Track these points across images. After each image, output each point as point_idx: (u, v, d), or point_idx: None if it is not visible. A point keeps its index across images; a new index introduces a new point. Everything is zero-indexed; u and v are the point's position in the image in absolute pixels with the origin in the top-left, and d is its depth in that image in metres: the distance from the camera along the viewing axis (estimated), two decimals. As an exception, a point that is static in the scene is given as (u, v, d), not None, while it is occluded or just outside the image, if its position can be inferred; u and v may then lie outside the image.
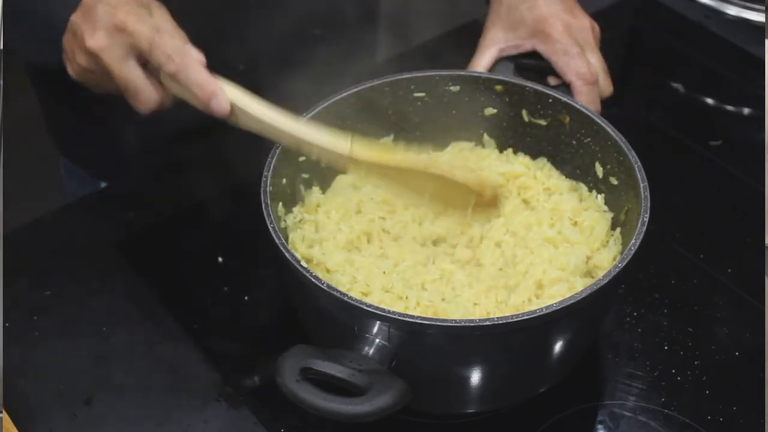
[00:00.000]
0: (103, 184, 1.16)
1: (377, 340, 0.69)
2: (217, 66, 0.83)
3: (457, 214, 0.84)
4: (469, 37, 1.01)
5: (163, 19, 0.81)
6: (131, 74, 0.80)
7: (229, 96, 0.79)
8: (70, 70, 0.84)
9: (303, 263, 0.73)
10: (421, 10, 1.29)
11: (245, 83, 0.83)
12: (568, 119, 0.88)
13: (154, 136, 1.08)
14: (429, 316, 0.75)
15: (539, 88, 0.88)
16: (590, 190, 0.88)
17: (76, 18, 0.81)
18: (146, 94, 0.80)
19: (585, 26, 0.94)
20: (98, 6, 0.79)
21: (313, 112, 0.85)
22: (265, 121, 0.79)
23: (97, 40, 0.79)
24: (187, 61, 0.78)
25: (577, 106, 0.86)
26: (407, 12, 1.32)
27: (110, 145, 1.12)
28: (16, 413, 0.80)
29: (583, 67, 0.90)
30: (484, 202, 0.82)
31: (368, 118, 0.89)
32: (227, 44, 1.03)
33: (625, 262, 0.73)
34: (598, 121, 0.85)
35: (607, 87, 0.94)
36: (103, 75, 0.81)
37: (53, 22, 0.83)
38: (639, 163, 0.80)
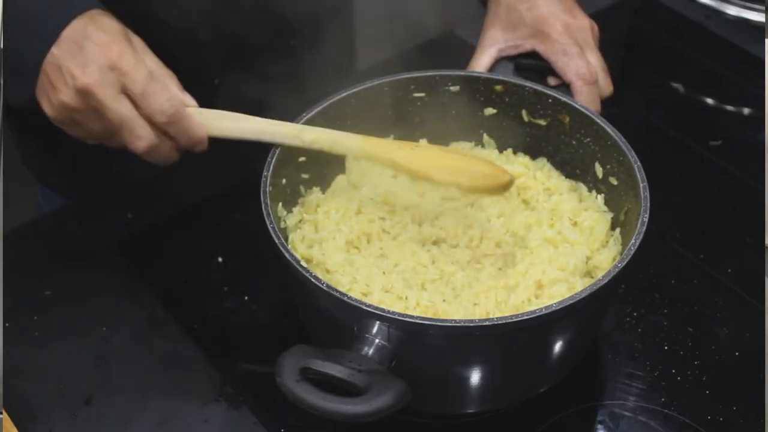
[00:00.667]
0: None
1: (377, 340, 0.69)
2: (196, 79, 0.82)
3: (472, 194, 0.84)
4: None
5: (152, 61, 0.79)
6: (126, 111, 0.78)
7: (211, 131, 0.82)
8: (48, 109, 0.80)
9: (303, 263, 0.73)
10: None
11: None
12: (567, 119, 0.88)
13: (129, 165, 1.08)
14: (429, 316, 0.75)
15: (539, 88, 0.88)
16: (590, 190, 0.88)
17: (59, 53, 0.77)
18: (139, 132, 0.79)
19: (584, 26, 0.94)
20: (86, 43, 0.77)
21: (312, 113, 0.85)
22: (249, 138, 0.82)
23: (89, 76, 0.76)
24: (178, 114, 0.79)
25: (577, 106, 0.86)
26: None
27: (85, 174, 1.11)
28: (16, 413, 0.80)
29: (583, 67, 0.90)
30: (498, 184, 0.83)
31: (368, 118, 0.89)
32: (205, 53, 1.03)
33: (625, 263, 0.73)
34: (598, 121, 0.85)
35: (606, 87, 0.94)
36: (89, 115, 0.79)
37: (25, 56, 0.79)
38: (639, 163, 0.80)
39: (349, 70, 1.23)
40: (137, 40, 0.80)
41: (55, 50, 0.77)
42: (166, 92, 0.78)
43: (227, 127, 0.82)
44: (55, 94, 0.78)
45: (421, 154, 0.83)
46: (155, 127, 0.80)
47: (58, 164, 1.12)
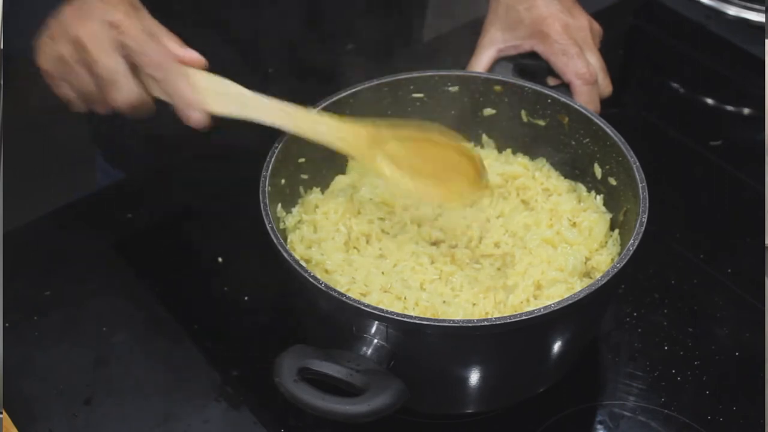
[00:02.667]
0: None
1: (375, 340, 0.69)
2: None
3: (455, 192, 0.83)
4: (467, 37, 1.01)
5: (153, 22, 0.80)
6: (115, 65, 0.78)
7: (212, 106, 0.80)
8: (41, 58, 0.81)
9: (302, 264, 0.73)
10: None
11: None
12: (566, 119, 0.88)
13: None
14: (428, 316, 0.75)
15: (538, 88, 0.88)
16: (589, 190, 0.88)
17: (67, 8, 0.79)
18: (126, 89, 0.79)
19: (584, 26, 0.94)
20: (93, 2, 0.79)
21: (312, 113, 0.85)
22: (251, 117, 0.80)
23: (87, 29, 0.78)
24: (172, 72, 0.78)
25: (576, 107, 0.86)
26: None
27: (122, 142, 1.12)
28: (16, 413, 0.80)
29: (582, 67, 0.90)
30: (473, 176, 0.82)
31: (368, 119, 0.89)
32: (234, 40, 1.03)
33: (624, 263, 0.73)
34: (597, 121, 0.85)
35: (606, 86, 0.94)
36: (78, 68, 0.79)
37: (38, 12, 0.81)
38: (638, 164, 0.80)
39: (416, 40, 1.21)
40: (142, 7, 0.81)
41: (65, 6, 0.79)
42: (162, 48, 0.79)
43: (221, 93, 0.80)
44: (52, 46, 0.79)
45: (404, 153, 0.81)
46: (149, 87, 0.80)
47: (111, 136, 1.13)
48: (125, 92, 0.79)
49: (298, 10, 1.03)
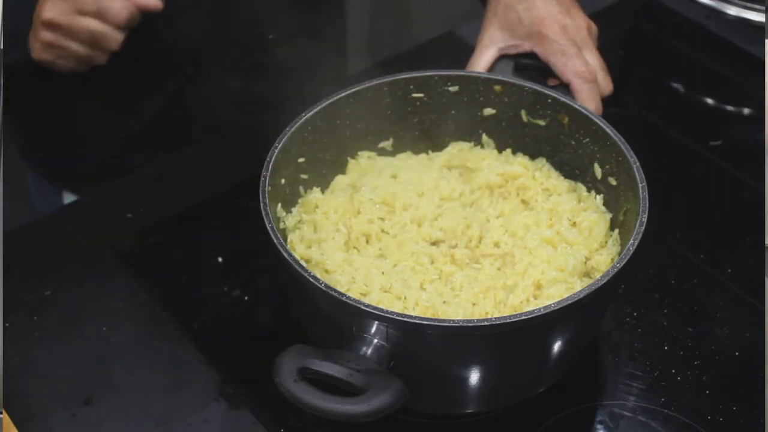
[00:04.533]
0: (68, 196, 1.17)
1: (375, 340, 0.69)
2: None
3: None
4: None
5: None
6: (90, 24, 0.92)
7: None
8: (37, 53, 0.95)
9: (302, 263, 0.73)
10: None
11: None
12: (566, 119, 0.88)
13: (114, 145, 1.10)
14: (428, 316, 0.75)
15: (538, 88, 0.88)
16: (589, 190, 0.88)
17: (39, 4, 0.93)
18: (113, 35, 0.93)
19: (582, 26, 0.94)
20: None
21: (312, 112, 0.85)
22: None
23: (49, 9, 0.91)
24: (132, 14, 0.93)
25: (576, 107, 0.86)
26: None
27: (72, 155, 1.13)
28: (16, 413, 0.80)
29: (581, 66, 0.90)
30: None
31: (367, 118, 0.89)
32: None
33: (624, 263, 0.73)
34: (597, 121, 0.85)
35: (606, 85, 0.94)
36: (66, 42, 0.93)
37: (15, 14, 0.92)
38: (638, 164, 0.80)
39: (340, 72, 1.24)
40: None
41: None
42: (117, 2, 0.92)
43: None
44: (35, 37, 0.94)
45: None
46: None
47: (47, 144, 1.16)
48: (112, 39, 0.93)
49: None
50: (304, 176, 0.87)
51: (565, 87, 0.92)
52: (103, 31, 0.93)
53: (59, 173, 1.18)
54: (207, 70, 1.09)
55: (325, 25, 1.15)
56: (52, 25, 0.92)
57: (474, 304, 0.77)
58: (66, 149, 1.15)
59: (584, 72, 0.90)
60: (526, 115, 0.90)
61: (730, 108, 1.16)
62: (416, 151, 0.93)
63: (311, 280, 0.71)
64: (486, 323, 0.69)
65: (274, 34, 1.10)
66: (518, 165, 0.90)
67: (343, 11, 1.23)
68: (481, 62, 0.95)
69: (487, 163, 0.90)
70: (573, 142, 0.88)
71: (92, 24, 0.92)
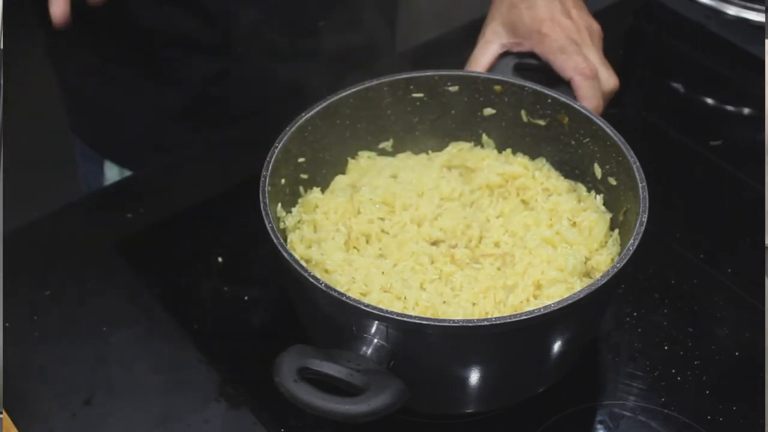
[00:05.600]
0: (111, 166, 1.17)
1: (375, 340, 0.69)
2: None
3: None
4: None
5: None
6: None
7: None
8: None
9: (302, 263, 0.73)
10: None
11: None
12: (567, 119, 0.88)
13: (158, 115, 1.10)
14: (428, 316, 0.75)
15: (538, 88, 0.88)
16: (589, 190, 0.88)
17: None
18: None
19: (582, 27, 0.94)
20: None
21: (311, 112, 0.85)
22: None
23: None
24: None
25: (576, 107, 0.86)
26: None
27: (118, 124, 1.13)
28: (16, 413, 0.80)
29: (582, 63, 0.90)
30: None
31: (367, 118, 0.89)
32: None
33: (624, 263, 0.73)
34: (597, 121, 0.85)
35: (608, 80, 0.93)
36: None
37: None
38: (638, 164, 0.80)
39: (390, 50, 1.22)
40: None
41: None
42: None
43: None
44: None
45: None
46: None
47: (96, 111, 1.15)
48: None
49: None
50: (304, 176, 0.87)
51: (567, 87, 0.91)
52: None
53: (104, 145, 1.18)
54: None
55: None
56: None
57: (474, 304, 0.77)
58: (107, 122, 1.15)
59: (584, 68, 0.90)
60: (526, 115, 0.90)
61: (730, 108, 1.16)
62: (416, 151, 0.93)
63: (311, 280, 0.71)
64: (486, 323, 0.69)
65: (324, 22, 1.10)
66: (518, 165, 0.90)
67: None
68: (484, 57, 0.95)
69: (487, 163, 0.90)
70: (573, 142, 0.88)
71: None
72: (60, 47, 1.13)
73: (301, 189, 0.87)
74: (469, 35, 1.01)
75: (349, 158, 0.91)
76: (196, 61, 1.08)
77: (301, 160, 0.86)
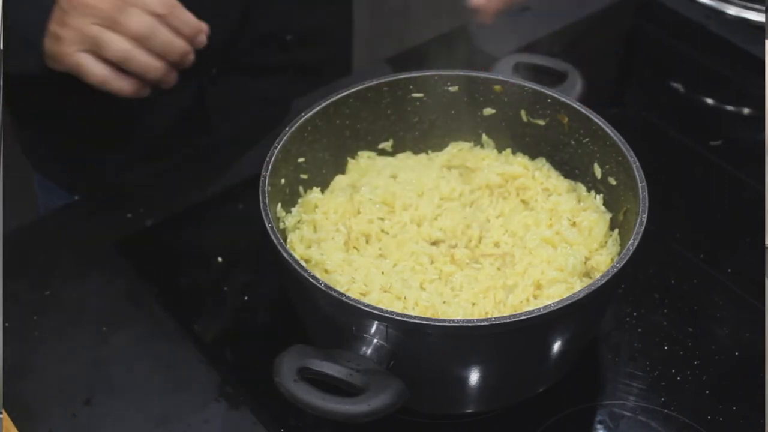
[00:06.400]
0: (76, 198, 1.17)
1: (375, 340, 0.69)
2: None
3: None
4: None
5: None
6: (167, 34, 0.86)
7: None
8: (90, 71, 0.86)
9: (301, 263, 0.73)
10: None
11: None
12: (566, 119, 0.88)
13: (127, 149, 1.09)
14: (428, 316, 0.75)
15: (538, 88, 0.88)
16: (589, 190, 0.88)
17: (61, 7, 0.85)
18: (137, 17, 0.84)
19: None
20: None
21: (311, 112, 0.85)
22: None
23: (133, 22, 0.84)
24: (172, 4, 0.86)
25: (576, 107, 0.86)
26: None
27: (81, 159, 1.13)
28: (16, 413, 0.80)
29: None
30: None
31: (367, 118, 0.89)
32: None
33: (623, 263, 0.73)
34: (597, 121, 0.85)
35: None
36: (141, 55, 0.85)
37: (29, 28, 0.86)
38: (637, 163, 0.80)
39: (347, 69, 1.24)
40: None
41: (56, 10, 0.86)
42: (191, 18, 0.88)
43: None
44: (63, 28, 0.85)
45: None
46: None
47: (60, 156, 1.14)
48: (135, 20, 0.84)
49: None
50: (304, 176, 0.87)
51: (565, 87, 0.91)
52: (181, 45, 0.87)
53: (67, 174, 1.17)
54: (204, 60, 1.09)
55: (333, 26, 1.15)
56: (135, 37, 0.84)
57: (474, 304, 0.77)
58: (70, 150, 1.14)
59: None
60: (526, 114, 0.90)
61: (730, 108, 1.16)
62: (416, 151, 0.93)
63: (311, 280, 0.71)
64: (486, 323, 0.69)
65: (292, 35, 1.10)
66: (518, 165, 0.90)
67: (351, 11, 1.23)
68: None
69: (487, 163, 0.90)
70: (573, 142, 0.88)
71: (174, 38, 0.86)
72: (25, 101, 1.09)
73: (301, 189, 0.87)
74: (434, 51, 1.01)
75: (349, 158, 0.91)
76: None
77: (300, 160, 0.86)
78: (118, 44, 0.84)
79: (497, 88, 0.89)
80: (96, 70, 0.86)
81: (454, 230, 0.83)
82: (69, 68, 0.87)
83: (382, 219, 0.84)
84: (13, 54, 0.86)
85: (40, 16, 0.85)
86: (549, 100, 0.88)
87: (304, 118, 0.84)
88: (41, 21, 0.85)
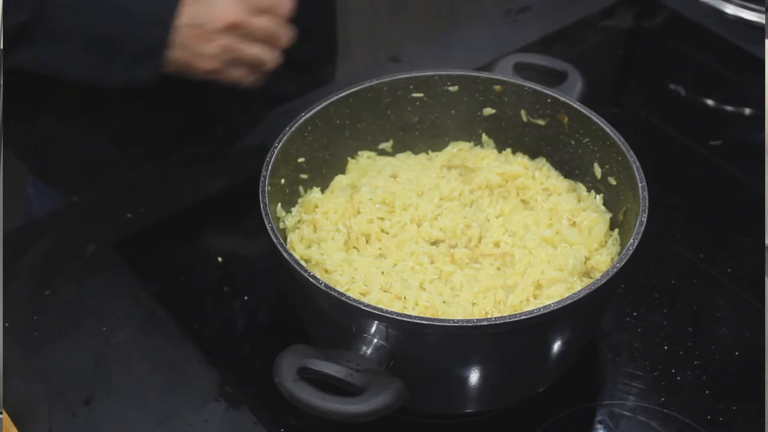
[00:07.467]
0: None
1: (375, 340, 0.69)
2: None
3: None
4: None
5: None
6: (264, 20, 0.92)
7: None
8: (207, 64, 0.92)
9: (301, 263, 0.73)
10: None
11: None
12: (566, 119, 0.88)
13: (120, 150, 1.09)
14: (428, 316, 0.75)
15: (538, 88, 0.88)
16: (589, 190, 0.88)
17: (185, 22, 0.91)
18: (285, 34, 0.94)
19: None
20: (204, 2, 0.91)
21: (311, 112, 0.85)
22: None
23: (229, 11, 0.90)
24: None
25: (576, 106, 0.86)
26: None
27: (75, 160, 1.13)
28: (16, 413, 0.80)
29: None
30: None
31: (367, 118, 0.89)
32: None
33: (623, 263, 0.73)
34: (597, 121, 0.85)
35: None
36: (242, 45, 0.92)
37: (151, 40, 0.91)
38: (637, 163, 0.80)
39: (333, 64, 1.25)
40: None
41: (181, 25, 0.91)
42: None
43: None
44: (199, 45, 0.91)
45: None
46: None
47: (54, 157, 1.14)
48: (284, 36, 0.94)
49: None
50: (304, 176, 0.87)
51: (565, 86, 0.91)
52: (276, 28, 0.93)
53: (58, 176, 1.17)
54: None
55: (318, 21, 1.15)
56: (235, 27, 0.90)
57: (474, 304, 0.77)
58: (64, 150, 1.14)
59: None
60: (525, 114, 0.90)
61: (730, 108, 1.16)
62: (416, 151, 0.93)
63: (311, 280, 0.71)
64: (486, 323, 0.69)
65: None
66: (518, 165, 0.90)
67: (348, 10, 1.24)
68: None
69: (487, 163, 0.90)
70: (573, 142, 0.88)
71: (268, 22, 0.92)
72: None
73: (301, 189, 0.87)
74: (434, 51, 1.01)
75: (348, 158, 0.91)
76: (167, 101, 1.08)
77: (300, 160, 0.86)
78: (252, 51, 0.93)
79: (497, 88, 0.89)
80: (234, 75, 0.94)
81: (454, 230, 0.83)
82: (203, 77, 0.94)
83: (382, 219, 0.84)
84: (121, 67, 0.91)
85: (164, 30, 0.90)
86: (549, 100, 0.88)
87: (304, 118, 0.84)
88: (164, 36, 0.91)
